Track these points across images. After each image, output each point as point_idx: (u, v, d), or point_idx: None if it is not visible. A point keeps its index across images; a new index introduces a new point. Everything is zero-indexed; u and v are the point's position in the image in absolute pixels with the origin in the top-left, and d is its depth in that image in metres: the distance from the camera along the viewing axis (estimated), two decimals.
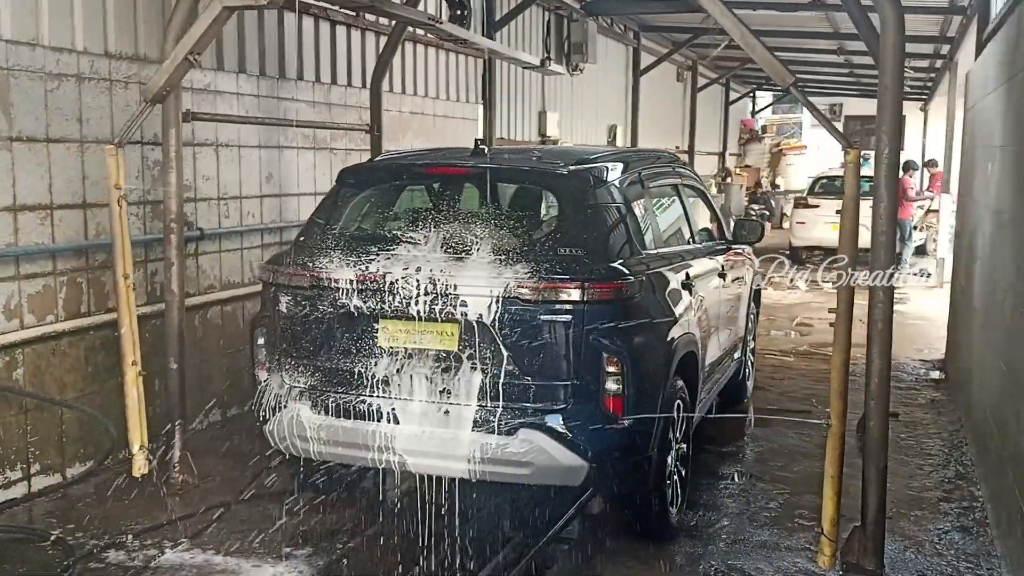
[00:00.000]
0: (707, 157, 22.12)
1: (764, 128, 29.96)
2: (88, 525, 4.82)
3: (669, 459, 4.65)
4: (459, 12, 8.94)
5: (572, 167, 4.60)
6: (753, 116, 29.13)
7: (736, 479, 5.72)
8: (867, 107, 25.91)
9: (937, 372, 8.48)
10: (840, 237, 4.19)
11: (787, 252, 17.23)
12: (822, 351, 9.52)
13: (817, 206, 17.19)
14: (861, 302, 4.30)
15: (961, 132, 8.63)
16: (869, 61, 18.15)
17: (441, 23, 6.83)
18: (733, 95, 24.94)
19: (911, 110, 21.95)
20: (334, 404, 4.39)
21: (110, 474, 5.48)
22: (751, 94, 27.59)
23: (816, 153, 29.78)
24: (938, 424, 6.89)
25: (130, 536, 4.68)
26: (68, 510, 5.03)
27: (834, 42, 16.08)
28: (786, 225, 19.38)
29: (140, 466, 5.19)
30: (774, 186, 26.45)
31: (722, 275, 5.99)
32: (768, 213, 22.16)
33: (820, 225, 17.03)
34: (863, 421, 6.53)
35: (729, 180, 21.94)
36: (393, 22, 7.59)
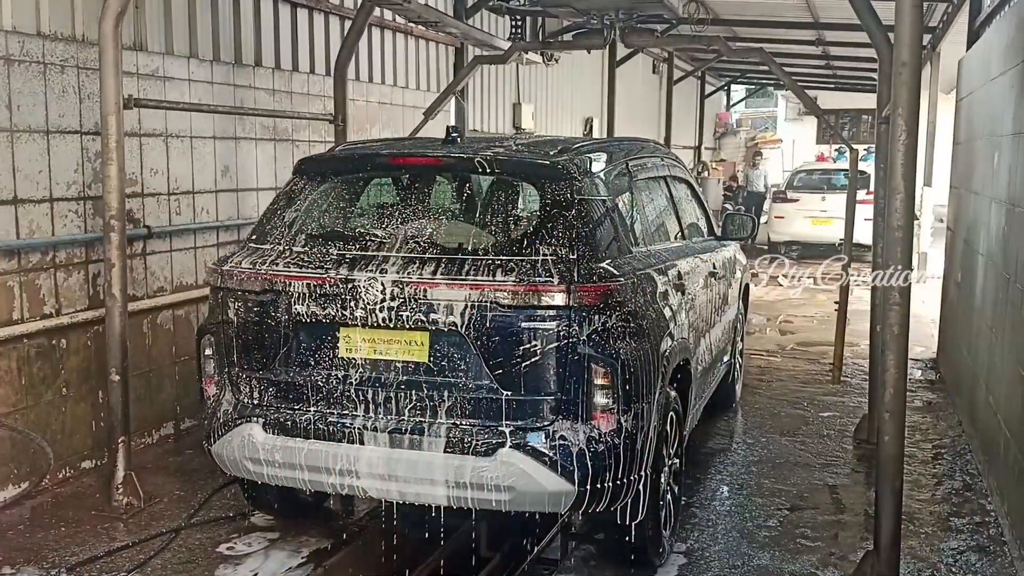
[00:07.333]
0: (683, 151, 21.71)
1: (739, 122, 29.68)
2: (17, 557, 4.33)
3: (663, 478, 4.22)
4: None
5: (555, 157, 4.12)
6: (728, 109, 28.81)
7: (730, 493, 5.31)
8: (842, 100, 25.68)
9: (932, 372, 8.12)
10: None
11: (765, 247, 16.95)
12: (808, 350, 9.18)
13: (796, 200, 16.94)
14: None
15: (953, 124, 8.26)
16: (846, 53, 17.98)
17: (410, 2, 6.33)
18: (708, 88, 24.55)
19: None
20: (290, 423, 3.91)
21: (47, 496, 5.00)
22: (726, 87, 27.25)
23: (791, 147, 29.60)
24: (937, 429, 6.51)
25: (63, 570, 4.19)
26: None
27: (813, 32, 15.75)
28: (763, 220, 19.12)
29: None
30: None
31: (714, 274, 5.57)
32: (743, 210, 21.83)
33: (799, 219, 16.79)
34: (864, 426, 6.22)
35: (706, 174, 21.58)
36: (358, 4, 7.11)
